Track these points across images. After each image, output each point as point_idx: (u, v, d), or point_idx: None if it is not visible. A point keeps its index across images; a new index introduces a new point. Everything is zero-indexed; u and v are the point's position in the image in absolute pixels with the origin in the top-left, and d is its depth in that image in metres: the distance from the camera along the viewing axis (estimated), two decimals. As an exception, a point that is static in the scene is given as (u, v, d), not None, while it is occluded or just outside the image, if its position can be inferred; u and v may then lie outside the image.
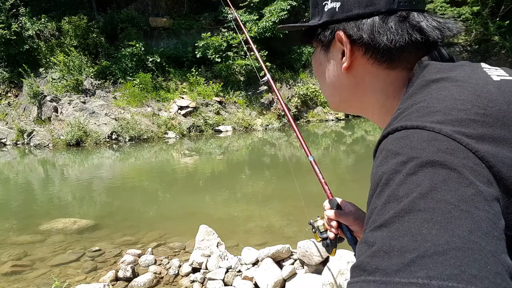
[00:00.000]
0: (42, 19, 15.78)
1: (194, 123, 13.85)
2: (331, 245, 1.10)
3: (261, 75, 1.60)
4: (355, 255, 0.97)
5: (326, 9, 0.66)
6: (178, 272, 3.06)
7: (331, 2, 0.65)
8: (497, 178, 0.45)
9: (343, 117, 17.01)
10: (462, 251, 0.39)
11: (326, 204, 1.06)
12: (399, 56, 0.63)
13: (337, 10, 0.64)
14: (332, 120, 16.89)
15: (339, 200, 1.06)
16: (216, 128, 14.12)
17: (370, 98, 0.68)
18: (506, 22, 16.71)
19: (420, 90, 0.57)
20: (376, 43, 0.61)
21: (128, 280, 2.97)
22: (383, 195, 0.45)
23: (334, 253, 1.14)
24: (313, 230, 1.15)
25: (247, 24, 16.20)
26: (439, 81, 0.56)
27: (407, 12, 0.61)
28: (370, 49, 0.63)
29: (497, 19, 17.16)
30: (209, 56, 15.74)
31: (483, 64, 0.60)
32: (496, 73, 0.57)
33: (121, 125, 12.61)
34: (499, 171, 0.45)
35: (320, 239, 1.11)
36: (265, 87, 16.25)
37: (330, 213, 1.02)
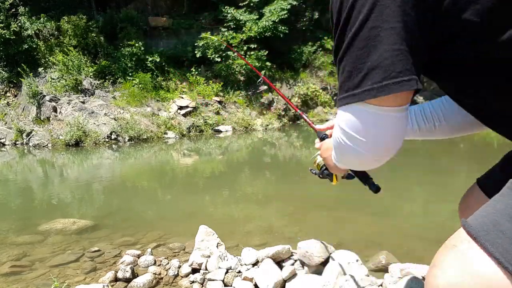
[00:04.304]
0: (41, 19, 15.74)
1: (193, 123, 13.82)
2: (331, 174, 1.16)
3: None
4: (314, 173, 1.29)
5: None
6: (177, 273, 3.04)
7: None
8: None
9: (343, 117, 16.97)
10: (390, 59, 0.61)
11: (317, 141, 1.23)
12: None
13: None
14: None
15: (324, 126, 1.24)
16: (216, 128, 14.09)
17: None
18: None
19: None
20: None
21: (128, 280, 2.95)
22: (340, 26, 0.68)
23: (336, 180, 1.17)
24: (313, 172, 1.23)
25: (247, 23, 16.16)
26: None
27: None
28: None
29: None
30: (209, 56, 15.71)
31: None
32: None
33: (120, 125, 12.58)
34: None
35: (320, 172, 1.22)
36: (265, 87, 16.24)
37: (317, 144, 1.20)
